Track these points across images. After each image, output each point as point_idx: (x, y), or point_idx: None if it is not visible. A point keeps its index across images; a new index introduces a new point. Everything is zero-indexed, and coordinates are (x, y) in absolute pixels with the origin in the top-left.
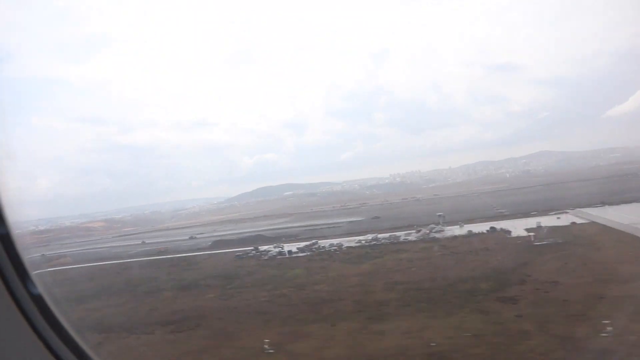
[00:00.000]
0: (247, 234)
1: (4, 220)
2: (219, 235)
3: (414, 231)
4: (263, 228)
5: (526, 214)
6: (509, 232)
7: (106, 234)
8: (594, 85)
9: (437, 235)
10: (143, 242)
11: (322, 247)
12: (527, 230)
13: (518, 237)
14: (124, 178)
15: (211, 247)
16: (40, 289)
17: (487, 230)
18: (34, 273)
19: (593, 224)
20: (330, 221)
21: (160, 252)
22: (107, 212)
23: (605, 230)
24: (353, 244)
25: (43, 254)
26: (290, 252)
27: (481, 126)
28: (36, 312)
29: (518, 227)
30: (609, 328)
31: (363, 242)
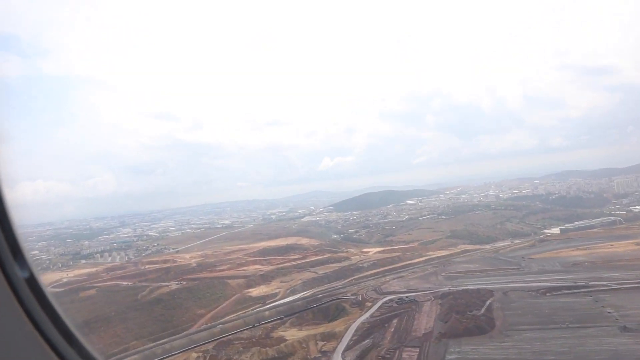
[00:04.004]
0: None
1: (6, 214)
2: None
3: None
4: None
5: None
6: None
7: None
8: None
9: None
10: None
11: None
12: None
13: None
14: (181, 177)
15: None
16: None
17: None
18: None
19: None
20: None
21: None
22: (160, 211)
23: None
24: None
25: None
26: None
27: (546, 131)
28: (40, 311)
29: None
30: None
31: None
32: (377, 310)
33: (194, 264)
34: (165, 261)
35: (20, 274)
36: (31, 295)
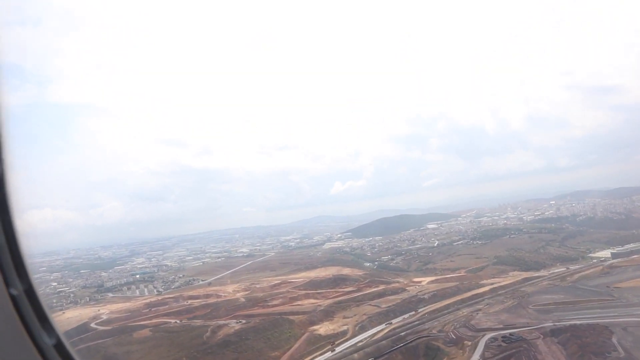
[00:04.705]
0: None
1: (26, 270)
2: None
3: None
4: None
5: None
6: None
7: None
8: None
9: None
10: None
11: None
12: None
13: None
14: (188, 203)
15: None
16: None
17: None
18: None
19: None
20: None
21: None
22: (167, 239)
23: None
24: None
25: None
26: None
27: (552, 151)
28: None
29: None
30: None
31: None
32: (485, 351)
33: (243, 299)
34: (207, 295)
35: (48, 341)
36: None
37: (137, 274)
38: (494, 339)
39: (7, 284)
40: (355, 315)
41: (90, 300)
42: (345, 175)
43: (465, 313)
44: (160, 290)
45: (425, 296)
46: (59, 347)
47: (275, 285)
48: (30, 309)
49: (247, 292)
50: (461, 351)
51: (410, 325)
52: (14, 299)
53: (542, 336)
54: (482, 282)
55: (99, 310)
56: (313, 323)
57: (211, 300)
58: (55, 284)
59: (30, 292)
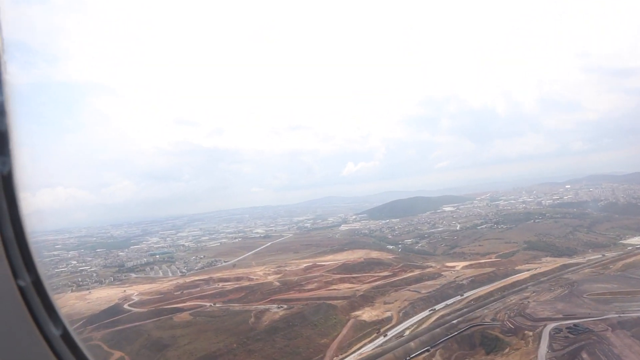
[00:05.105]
0: None
1: (33, 262)
2: None
3: None
4: None
5: None
6: None
7: None
8: None
9: None
10: None
11: None
12: None
13: None
14: (197, 183)
15: None
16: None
17: None
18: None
19: None
20: None
21: None
22: (177, 218)
23: None
24: None
25: None
26: None
27: (564, 134)
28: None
29: None
30: None
31: None
32: (552, 342)
33: (277, 283)
34: (238, 278)
35: (56, 331)
36: (68, 351)
37: (155, 254)
38: (558, 329)
39: (15, 275)
40: (396, 300)
41: (114, 280)
42: (355, 157)
43: (514, 301)
44: (184, 271)
45: (464, 282)
46: (66, 337)
47: (307, 268)
48: (37, 300)
49: (279, 275)
50: (523, 341)
51: (458, 312)
52: (22, 290)
53: (610, 328)
54: (518, 267)
55: (125, 291)
56: (354, 309)
57: (244, 284)
58: (75, 262)
59: (37, 283)
